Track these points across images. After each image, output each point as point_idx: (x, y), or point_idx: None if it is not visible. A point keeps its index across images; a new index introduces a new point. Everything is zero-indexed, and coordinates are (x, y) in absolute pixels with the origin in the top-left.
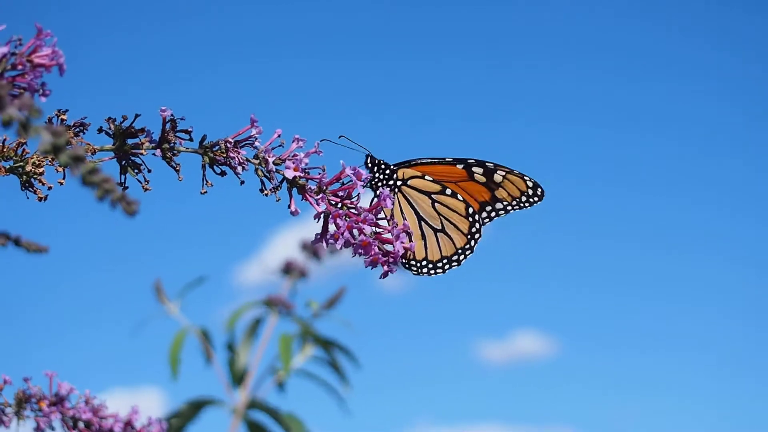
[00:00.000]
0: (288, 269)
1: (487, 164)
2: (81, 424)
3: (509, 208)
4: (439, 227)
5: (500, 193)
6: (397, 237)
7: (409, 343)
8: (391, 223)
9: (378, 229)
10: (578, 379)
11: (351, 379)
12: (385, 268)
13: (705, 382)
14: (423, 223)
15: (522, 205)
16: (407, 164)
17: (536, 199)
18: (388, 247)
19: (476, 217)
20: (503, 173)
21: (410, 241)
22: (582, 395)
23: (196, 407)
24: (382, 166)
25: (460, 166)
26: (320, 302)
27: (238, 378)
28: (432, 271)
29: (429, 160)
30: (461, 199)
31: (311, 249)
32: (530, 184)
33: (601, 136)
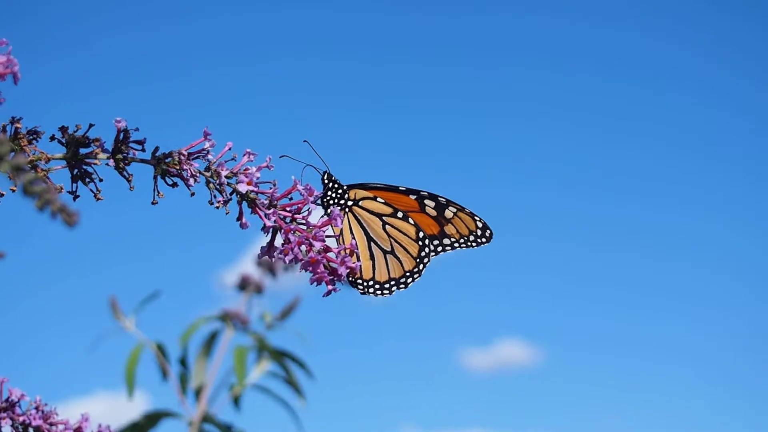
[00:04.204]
0: (244, 284)
1: (439, 198)
2: (31, 431)
3: (456, 245)
4: (389, 249)
5: (449, 228)
6: (342, 261)
7: (393, 350)
8: (339, 243)
9: (325, 247)
10: (563, 387)
11: (329, 385)
12: (329, 287)
13: (689, 392)
14: (372, 244)
15: (469, 244)
16: (360, 186)
17: (484, 240)
18: (334, 266)
19: (426, 241)
20: (454, 210)
21: (357, 260)
22: (566, 404)
23: (152, 419)
24: (336, 185)
25: (412, 197)
26: (276, 314)
27: (193, 392)
28: (379, 292)
29: (382, 186)
30: (412, 222)
31: (267, 264)
32: (480, 224)
33: (587, 143)
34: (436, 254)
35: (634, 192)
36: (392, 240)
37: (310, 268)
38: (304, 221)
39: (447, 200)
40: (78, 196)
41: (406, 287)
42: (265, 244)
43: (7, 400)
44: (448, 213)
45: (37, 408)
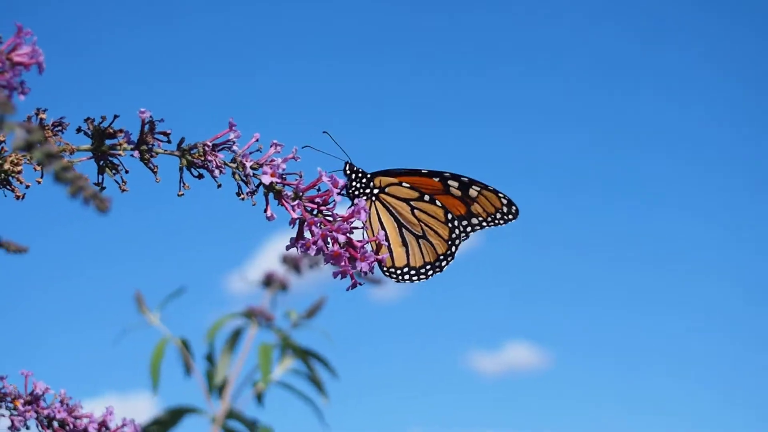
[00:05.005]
0: (269, 281)
1: (462, 178)
2: (55, 424)
3: (484, 224)
4: (420, 234)
5: (475, 208)
6: (364, 256)
7: (401, 353)
8: (365, 235)
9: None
10: (571, 390)
11: (338, 388)
12: (353, 280)
13: (694, 395)
14: (404, 229)
15: (497, 222)
16: (384, 173)
17: (510, 216)
18: (357, 260)
19: (455, 223)
20: (478, 189)
21: (388, 249)
22: (574, 407)
23: (176, 415)
24: (359, 174)
25: (436, 179)
26: (301, 313)
27: (216, 388)
28: (415, 278)
29: (405, 170)
30: (440, 204)
31: (292, 261)
32: (504, 201)
33: (591, 147)
34: (466, 235)
35: (638, 196)
36: (422, 224)
37: (333, 261)
38: (330, 213)
39: (470, 179)
40: (104, 187)
41: (441, 270)
42: (293, 237)
43: (31, 394)
44: (473, 192)
45: (61, 401)
